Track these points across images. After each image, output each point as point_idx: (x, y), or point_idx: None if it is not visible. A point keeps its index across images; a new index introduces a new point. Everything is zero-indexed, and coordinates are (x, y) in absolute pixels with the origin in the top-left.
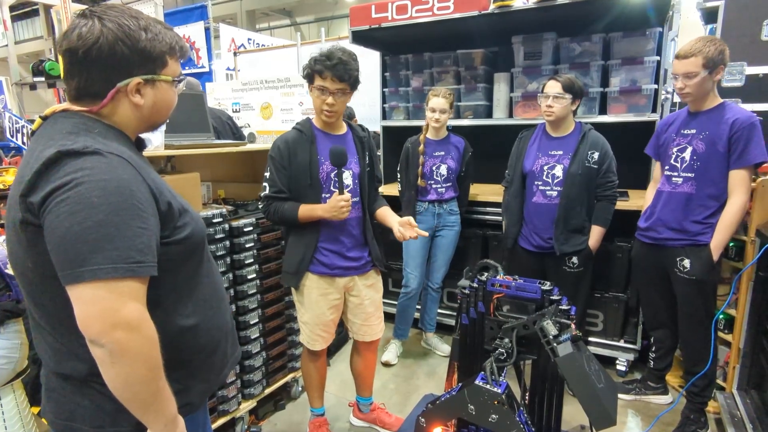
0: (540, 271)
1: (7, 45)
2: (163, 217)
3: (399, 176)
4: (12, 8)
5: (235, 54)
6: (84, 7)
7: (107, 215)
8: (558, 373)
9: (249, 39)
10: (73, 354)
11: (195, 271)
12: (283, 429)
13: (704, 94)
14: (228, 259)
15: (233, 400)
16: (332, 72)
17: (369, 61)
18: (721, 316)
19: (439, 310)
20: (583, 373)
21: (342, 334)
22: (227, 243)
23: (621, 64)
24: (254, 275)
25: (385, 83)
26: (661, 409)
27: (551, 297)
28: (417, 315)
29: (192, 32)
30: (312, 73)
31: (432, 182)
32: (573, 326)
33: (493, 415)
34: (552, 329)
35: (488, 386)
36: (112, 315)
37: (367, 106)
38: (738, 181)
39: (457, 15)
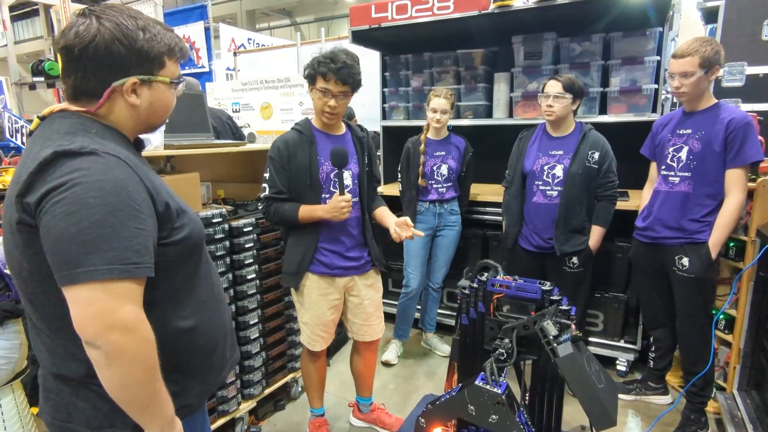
0: (540, 271)
1: (6, 45)
2: (161, 217)
3: (399, 176)
4: (12, 8)
5: (235, 54)
6: (84, 6)
7: (103, 216)
8: (558, 374)
9: (249, 39)
10: (70, 355)
11: (193, 272)
12: (282, 429)
13: (700, 93)
14: (227, 260)
15: (233, 401)
16: (336, 75)
17: (369, 61)
18: (721, 317)
19: (439, 310)
20: (584, 374)
21: (342, 335)
22: (227, 243)
23: (621, 64)
24: (254, 275)
25: (385, 83)
26: (661, 409)
27: (551, 297)
28: (417, 315)
29: (192, 32)
30: (314, 74)
31: (433, 182)
32: (573, 326)
33: (493, 416)
34: (552, 329)
35: (488, 387)
36: (108, 316)
37: (367, 106)
38: (734, 179)
39: (457, 15)
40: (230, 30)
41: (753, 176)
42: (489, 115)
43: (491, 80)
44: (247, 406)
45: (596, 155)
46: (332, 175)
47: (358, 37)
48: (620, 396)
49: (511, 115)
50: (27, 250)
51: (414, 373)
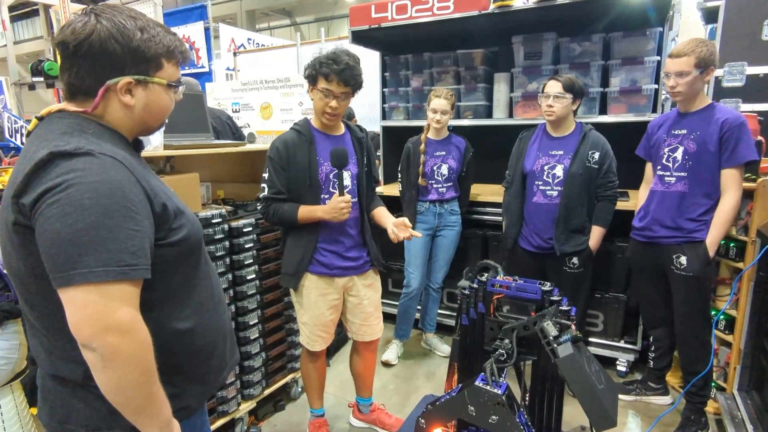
0: (540, 271)
1: (6, 45)
2: (158, 218)
3: (400, 176)
4: (11, 8)
5: (234, 54)
6: (83, 6)
7: (98, 217)
8: (558, 374)
9: (249, 39)
10: (67, 356)
11: (192, 274)
12: (282, 430)
13: (694, 94)
14: (227, 260)
15: (233, 401)
16: (339, 76)
17: (369, 61)
18: (721, 317)
19: (439, 311)
20: (584, 374)
21: (342, 335)
22: (226, 243)
23: (621, 64)
24: (253, 276)
25: (385, 83)
26: (661, 409)
27: (551, 297)
28: (417, 315)
29: (192, 32)
30: (316, 74)
31: (433, 182)
32: (573, 327)
33: (494, 416)
34: (552, 330)
35: (488, 387)
36: (104, 319)
37: (367, 106)
38: (730, 179)
39: (457, 15)
40: (230, 30)
41: (753, 176)
42: (489, 115)
43: (491, 80)
44: (246, 406)
45: (596, 155)
46: (331, 176)
47: (358, 37)
48: (620, 396)
49: (511, 116)
50: (23, 251)
51: (414, 373)
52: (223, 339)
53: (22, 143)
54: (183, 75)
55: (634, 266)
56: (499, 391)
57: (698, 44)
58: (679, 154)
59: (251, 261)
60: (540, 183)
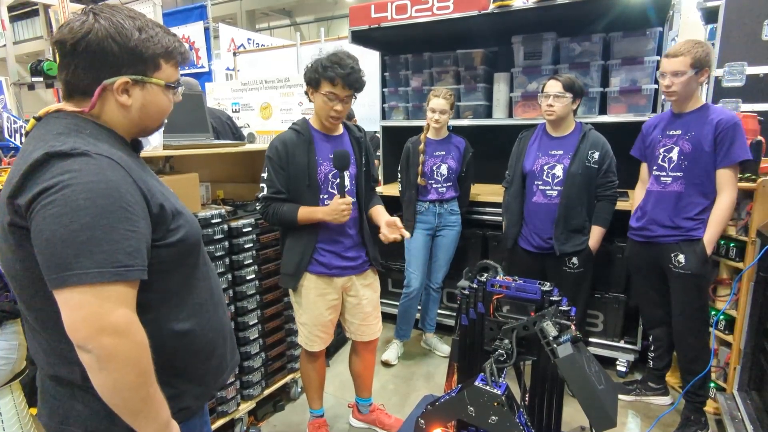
0: (540, 271)
1: (5, 45)
2: (155, 219)
3: (399, 176)
4: (11, 8)
5: (234, 54)
6: (83, 6)
7: (94, 218)
8: (558, 375)
9: (249, 39)
10: (66, 357)
11: (190, 274)
12: (282, 430)
13: (689, 94)
14: (227, 260)
15: (232, 401)
16: (344, 80)
17: (369, 61)
18: (721, 317)
19: (439, 311)
20: (583, 375)
21: (341, 335)
22: (226, 244)
23: (621, 64)
24: (253, 276)
25: (384, 83)
26: (661, 409)
27: (551, 298)
28: (417, 315)
29: (191, 32)
30: (320, 78)
31: (432, 182)
32: (573, 327)
33: (493, 417)
34: (552, 330)
35: (488, 387)
36: (99, 320)
37: (366, 106)
38: (725, 178)
39: (456, 15)
40: (230, 30)
41: (753, 176)
42: (489, 115)
43: (491, 80)
44: (246, 406)
45: (596, 155)
46: (330, 176)
47: (358, 37)
48: (620, 397)
49: (510, 115)
50: (20, 252)
51: (413, 373)
52: (223, 340)
53: (21, 143)
54: (182, 75)
55: (633, 266)
56: (499, 392)
57: (694, 45)
58: (674, 155)
59: (251, 261)
60: (540, 183)
